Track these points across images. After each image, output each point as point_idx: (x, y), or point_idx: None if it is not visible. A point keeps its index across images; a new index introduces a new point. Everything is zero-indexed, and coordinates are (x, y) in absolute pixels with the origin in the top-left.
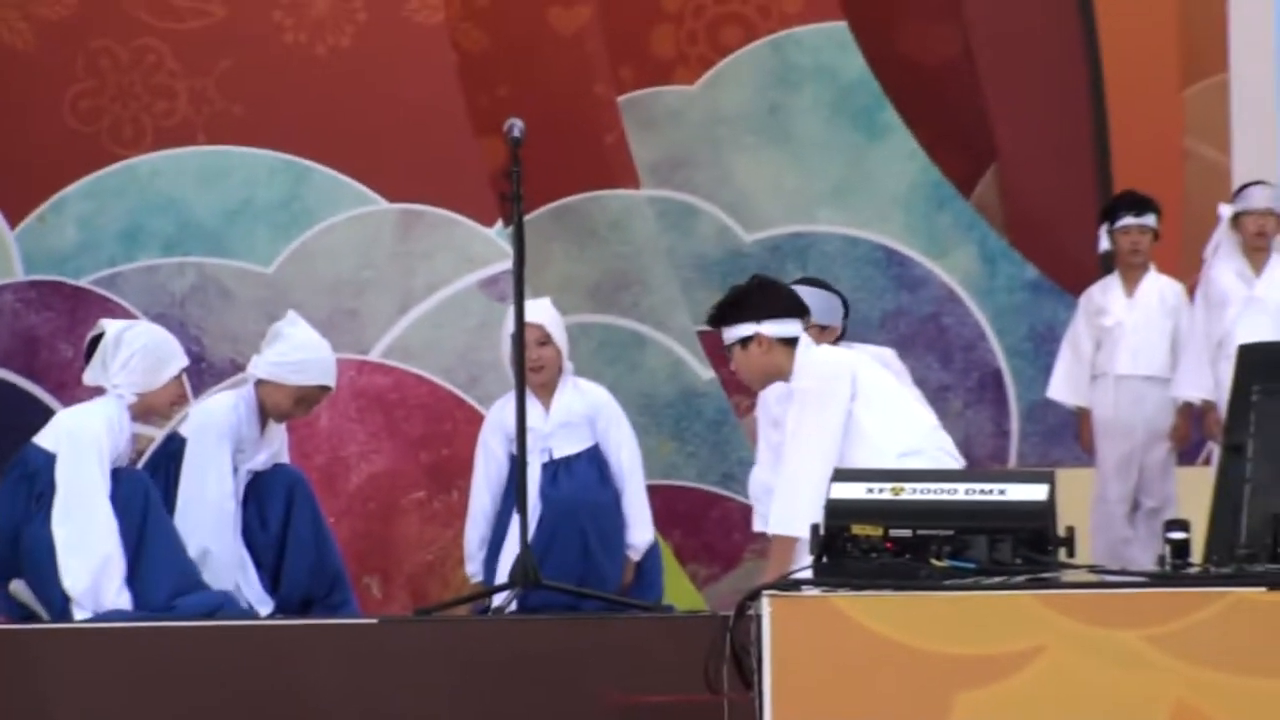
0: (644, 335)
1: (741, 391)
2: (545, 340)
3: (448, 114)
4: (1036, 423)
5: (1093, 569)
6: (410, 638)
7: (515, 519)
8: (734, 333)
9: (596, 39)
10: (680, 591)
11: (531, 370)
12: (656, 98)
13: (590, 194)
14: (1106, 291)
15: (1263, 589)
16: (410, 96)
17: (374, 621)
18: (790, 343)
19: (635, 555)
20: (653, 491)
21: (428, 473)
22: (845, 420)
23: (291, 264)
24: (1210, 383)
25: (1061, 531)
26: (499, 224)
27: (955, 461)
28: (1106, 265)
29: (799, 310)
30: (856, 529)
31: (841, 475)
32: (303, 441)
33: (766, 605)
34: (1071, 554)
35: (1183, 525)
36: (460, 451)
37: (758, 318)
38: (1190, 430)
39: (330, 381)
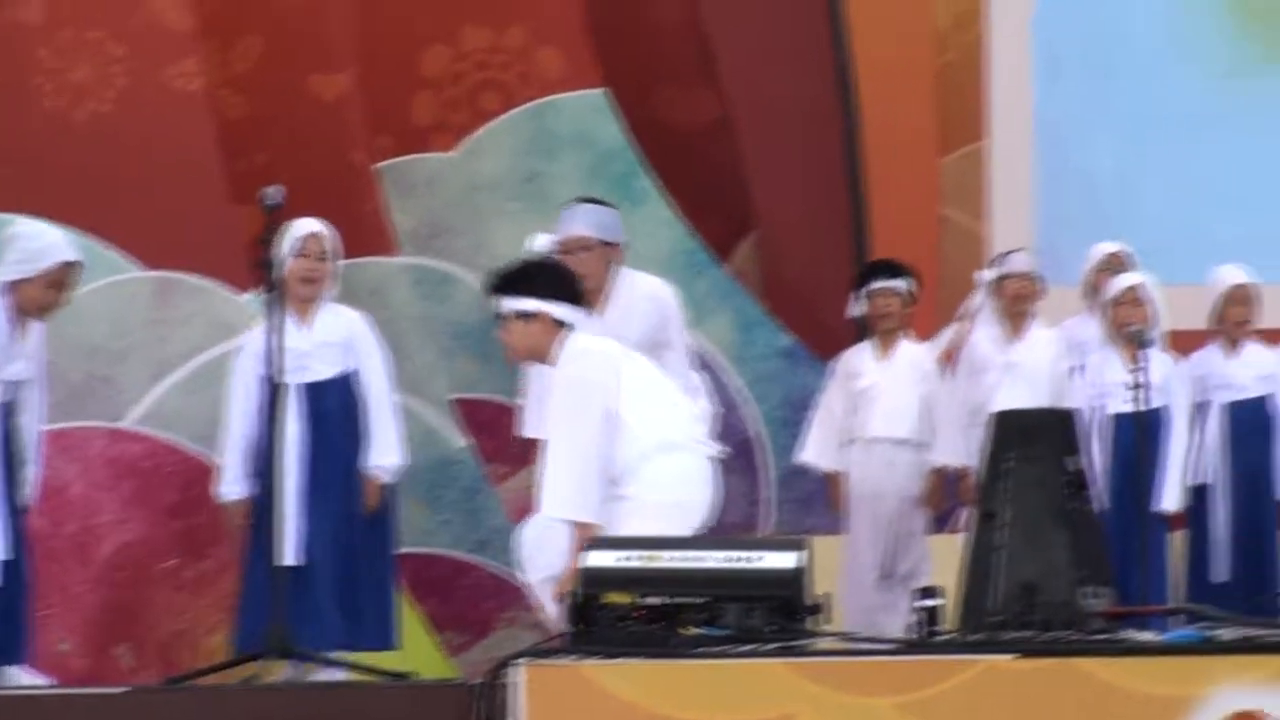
0: (399, 402)
1: (497, 459)
2: (323, 255)
3: (206, 181)
4: (790, 490)
5: (844, 636)
6: (161, 707)
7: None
8: (518, 304)
9: (356, 106)
10: (431, 660)
11: (306, 281)
12: (416, 164)
13: (348, 261)
14: (860, 355)
15: (1013, 656)
16: (169, 162)
17: (124, 691)
18: (565, 328)
19: (385, 476)
20: (406, 559)
21: (180, 540)
22: (607, 412)
23: (47, 329)
24: (965, 448)
25: (814, 599)
26: (255, 291)
27: (708, 455)
28: (860, 332)
29: (581, 299)
30: (610, 597)
31: (596, 543)
32: (55, 510)
33: (519, 673)
34: (823, 621)
35: (934, 592)
36: (213, 518)
37: (546, 296)
38: (944, 496)
39: (74, 255)
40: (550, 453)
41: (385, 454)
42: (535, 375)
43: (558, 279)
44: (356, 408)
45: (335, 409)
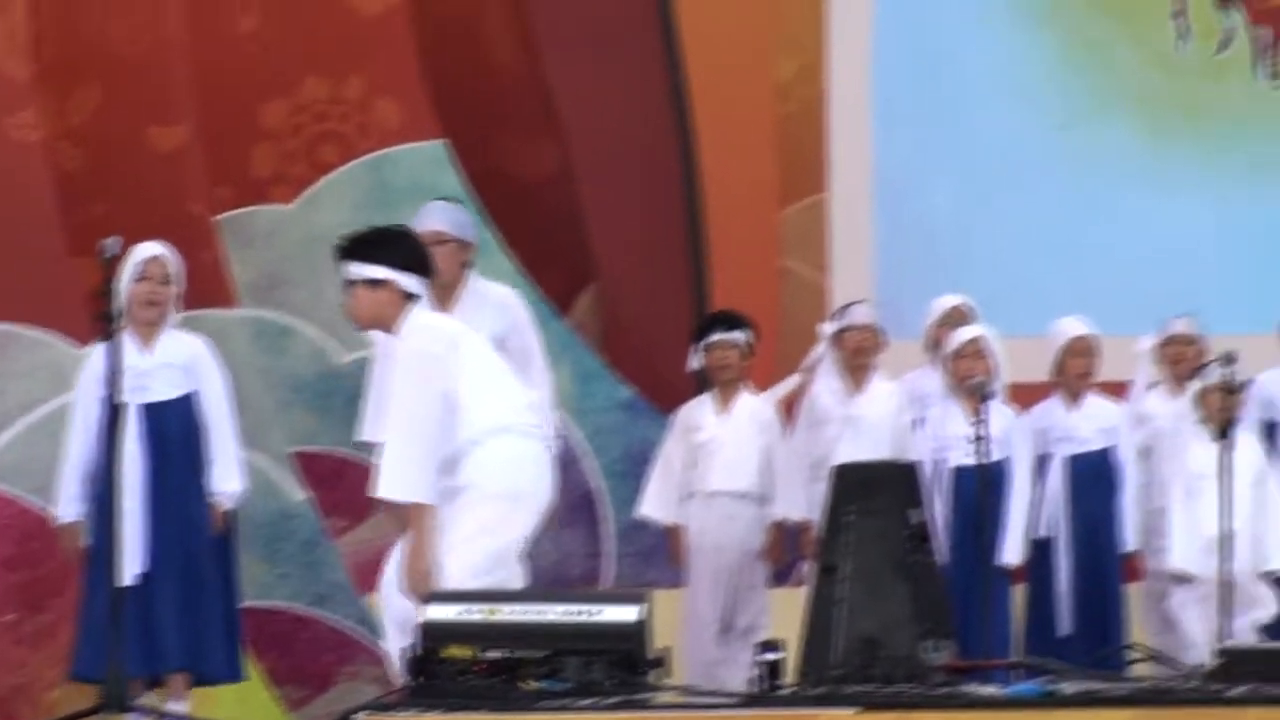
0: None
1: (337, 513)
2: (165, 279)
3: (44, 232)
4: (631, 543)
5: (685, 690)
6: None
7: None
8: (366, 271)
9: (195, 157)
10: (271, 714)
11: (147, 304)
12: (255, 216)
13: (187, 313)
14: (700, 409)
15: (855, 711)
16: (6, 214)
17: None
18: (411, 299)
19: (226, 502)
20: (245, 613)
21: (18, 594)
22: (446, 391)
23: None
24: (805, 502)
25: (654, 652)
26: (94, 343)
27: (543, 441)
28: (700, 385)
29: (430, 273)
30: (450, 650)
31: (438, 597)
32: None
33: None
34: (665, 675)
35: (775, 646)
36: (52, 571)
37: (396, 265)
38: (784, 550)
39: None
40: (389, 430)
41: (226, 479)
42: (375, 379)
43: (409, 249)
44: (198, 431)
45: (176, 431)
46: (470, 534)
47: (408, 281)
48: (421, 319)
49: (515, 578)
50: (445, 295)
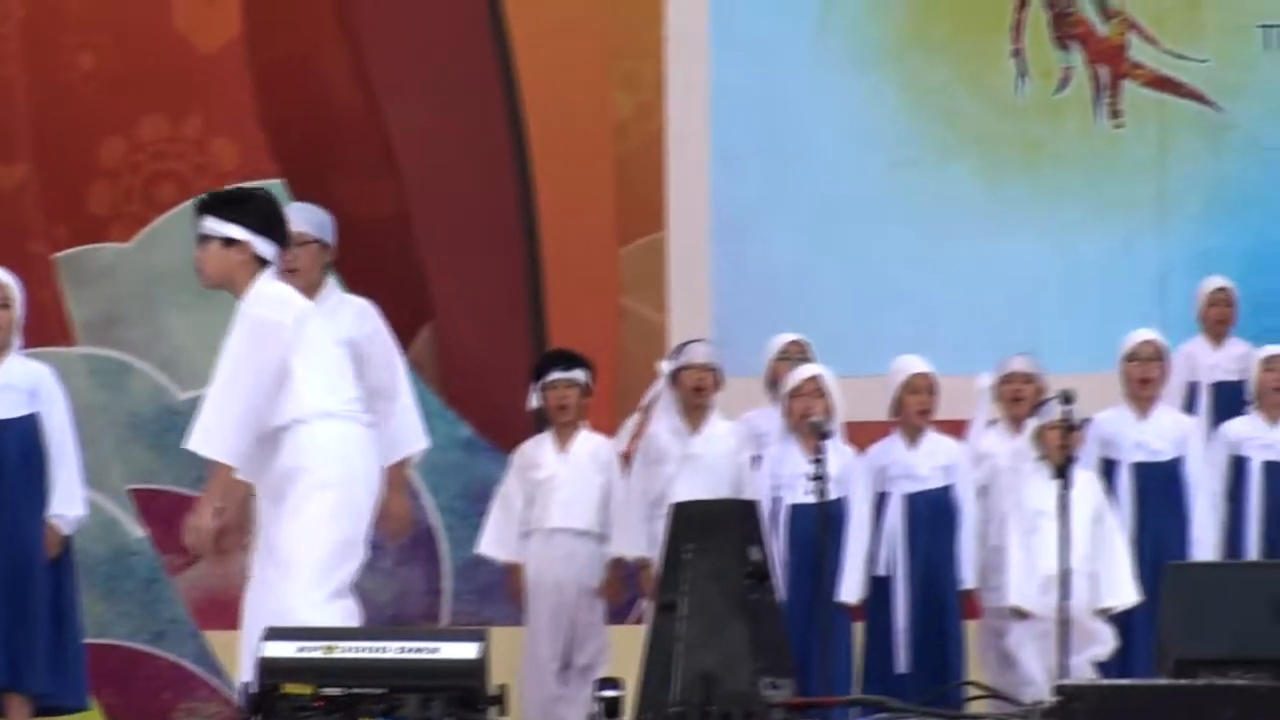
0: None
1: (175, 550)
2: (6, 303)
3: None
4: (469, 580)
5: None
6: None
7: None
8: (222, 228)
9: (33, 195)
10: None
11: None
12: (92, 254)
13: (23, 352)
14: (539, 447)
15: None
16: None
17: None
18: (263, 265)
19: (65, 527)
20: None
21: None
22: (282, 362)
23: None
24: (644, 540)
25: (493, 690)
26: None
27: (368, 427)
28: (539, 423)
29: (286, 242)
30: (289, 687)
31: (275, 633)
32: None
33: None
34: (504, 712)
35: (614, 683)
36: None
37: (253, 227)
38: (623, 587)
39: None
40: (213, 386)
41: (67, 503)
42: None
43: (269, 214)
44: (37, 453)
45: (14, 451)
46: (314, 525)
47: (262, 245)
48: (271, 288)
49: (360, 557)
50: (306, 295)
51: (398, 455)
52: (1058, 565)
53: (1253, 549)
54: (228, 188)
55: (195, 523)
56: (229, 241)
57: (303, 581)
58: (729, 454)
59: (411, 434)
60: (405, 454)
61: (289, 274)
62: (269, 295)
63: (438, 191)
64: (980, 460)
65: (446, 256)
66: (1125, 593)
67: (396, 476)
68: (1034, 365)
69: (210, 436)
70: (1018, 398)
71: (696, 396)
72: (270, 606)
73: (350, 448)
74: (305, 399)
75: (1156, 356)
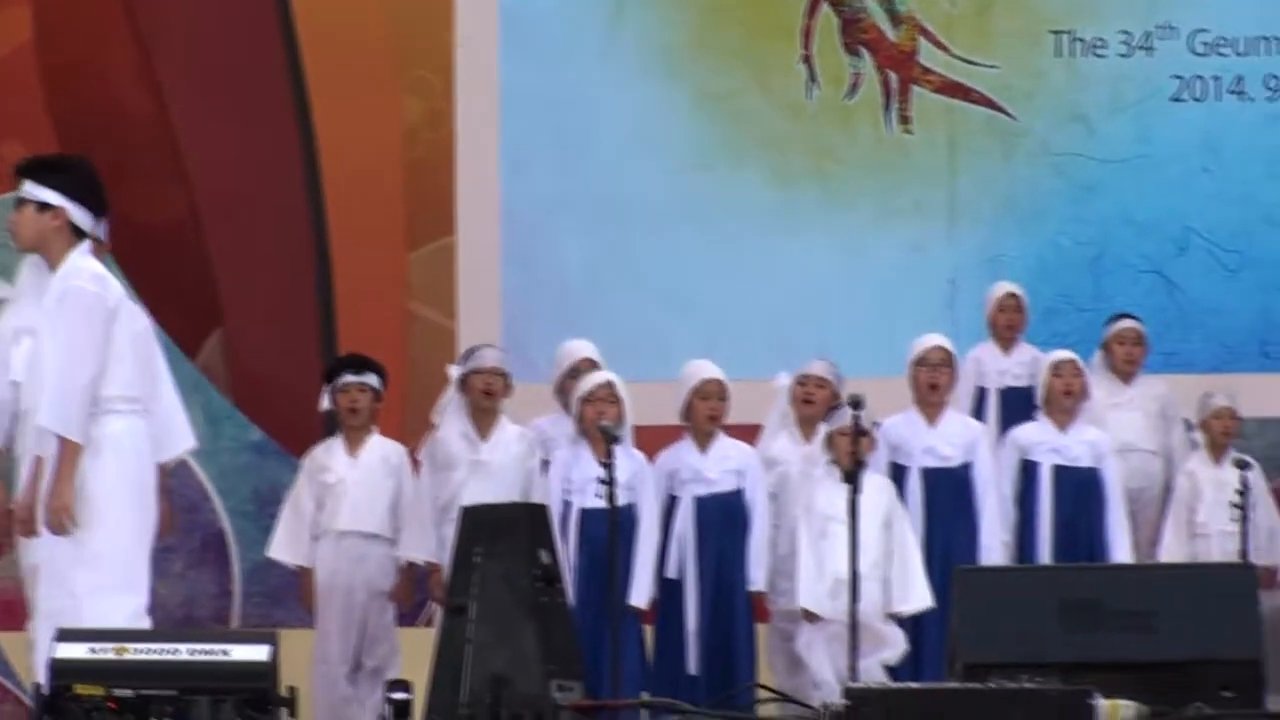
0: None
1: None
2: None
3: None
4: (259, 583)
5: None
6: None
7: None
8: (39, 192)
9: None
10: None
11: None
12: None
13: None
14: (330, 451)
15: None
16: None
17: None
18: (78, 235)
19: None
20: None
21: None
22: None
23: None
24: (434, 544)
25: (283, 691)
26: None
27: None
28: (330, 427)
29: (104, 214)
30: (80, 688)
31: (66, 635)
32: None
33: None
34: (293, 715)
35: (405, 686)
36: None
37: (72, 195)
38: (412, 591)
39: None
40: (57, 362)
41: None
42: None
43: (88, 184)
44: None
45: None
46: (117, 522)
47: (78, 214)
48: (94, 265)
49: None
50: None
51: (162, 456)
52: (848, 569)
53: (1043, 553)
54: (49, 155)
55: (56, 504)
56: (44, 206)
57: (103, 578)
58: (518, 459)
59: (178, 435)
60: (170, 455)
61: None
62: (96, 275)
63: (227, 197)
64: (771, 465)
65: (236, 261)
66: (916, 597)
67: (160, 478)
68: (831, 370)
69: (64, 414)
70: (810, 402)
71: (486, 401)
72: (65, 605)
73: (141, 443)
74: (113, 384)
75: (945, 362)
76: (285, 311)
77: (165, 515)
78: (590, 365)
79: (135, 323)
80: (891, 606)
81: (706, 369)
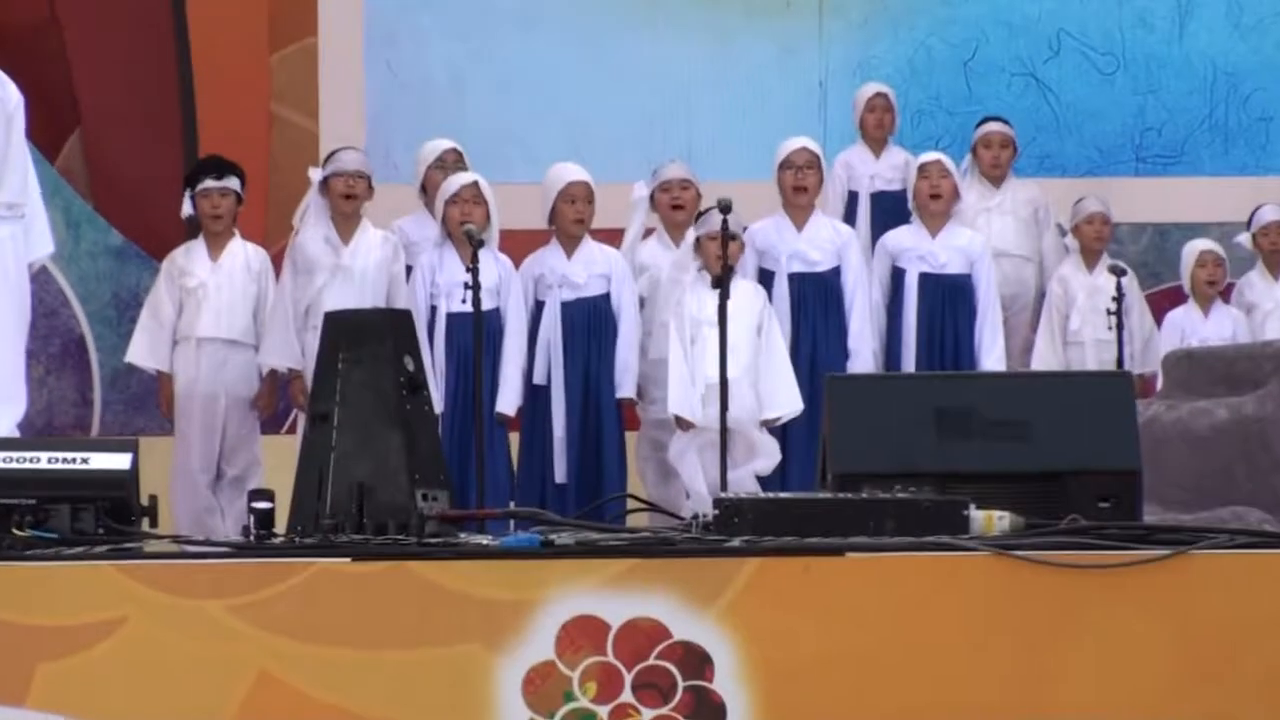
0: None
1: None
2: None
3: None
4: (120, 390)
5: (175, 539)
6: None
7: None
8: None
9: None
10: None
11: None
12: None
13: None
14: (190, 254)
15: (346, 560)
16: None
17: None
18: None
19: None
20: None
21: None
22: None
23: None
24: (297, 351)
25: (145, 501)
26: None
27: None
28: (191, 231)
29: None
30: None
31: None
32: None
33: None
34: (154, 524)
35: (267, 495)
36: None
37: None
38: (275, 398)
39: None
40: None
41: None
42: None
43: None
44: None
45: None
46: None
47: None
48: None
49: None
50: None
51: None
52: (719, 375)
53: (908, 362)
54: None
55: None
56: None
57: None
58: (382, 263)
59: (37, 238)
60: (30, 260)
61: None
62: None
63: None
64: (640, 271)
65: (94, 61)
66: (787, 402)
67: None
68: (689, 172)
69: None
70: (677, 205)
71: (347, 204)
72: None
73: (19, 249)
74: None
75: (811, 164)
76: (146, 113)
77: None
78: (455, 158)
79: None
80: (763, 413)
81: (572, 171)
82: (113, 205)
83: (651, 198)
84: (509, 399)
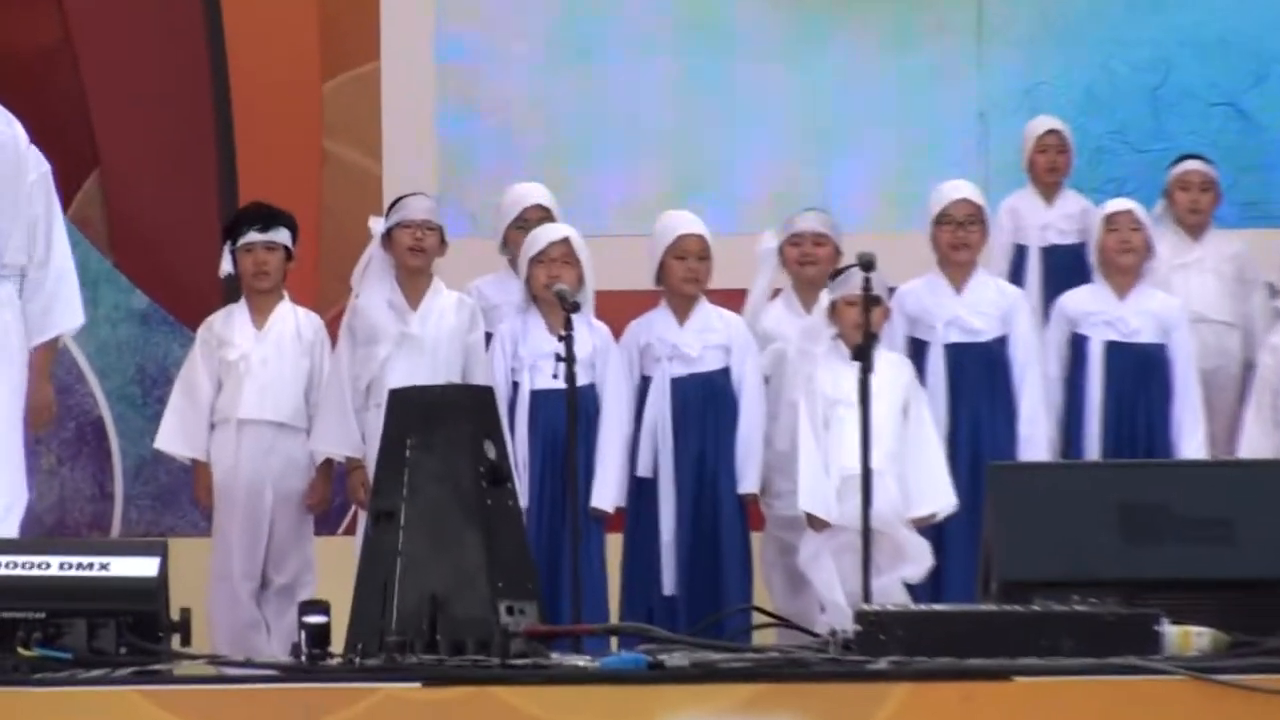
0: None
1: None
2: None
3: None
4: (146, 483)
5: (212, 660)
6: None
7: None
8: None
9: None
10: None
11: None
12: None
13: None
14: (230, 321)
15: (417, 684)
16: None
17: None
18: None
19: None
20: None
21: None
22: None
23: None
24: (357, 436)
25: (175, 614)
26: None
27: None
28: (231, 292)
29: None
30: None
31: None
32: None
33: None
34: (187, 641)
35: (322, 607)
36: None
37: None
38: (331, 492)
39: None
40: None
41: None
42: None
43: None
44: None
45: None
46: None
47: None
48: None
49: None
50: None
51: (46, 334)
52: (860, 465)
53: (1092, 448)
54: None
55: None
56: None
57: None
58: (456, 331)
59: (65, 308)
60: (55, 333)
61: None
62: None
63: (107, 21)
64: (765, 341)
65: (115, 90)
66: (940, 497)
67: (41, 359)
68: (827, 222)
69: None
70: (809, 261)
71: (415, 260)
72: None
73: (9, 319)
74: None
75: (974, 219)
76: (176, 151)
77: (42, 404)
78: (543, 214)
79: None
80: (912, 510)
81: (684, 222)
82: (137, 261)
83: (780, 251)
84: (608, 493)
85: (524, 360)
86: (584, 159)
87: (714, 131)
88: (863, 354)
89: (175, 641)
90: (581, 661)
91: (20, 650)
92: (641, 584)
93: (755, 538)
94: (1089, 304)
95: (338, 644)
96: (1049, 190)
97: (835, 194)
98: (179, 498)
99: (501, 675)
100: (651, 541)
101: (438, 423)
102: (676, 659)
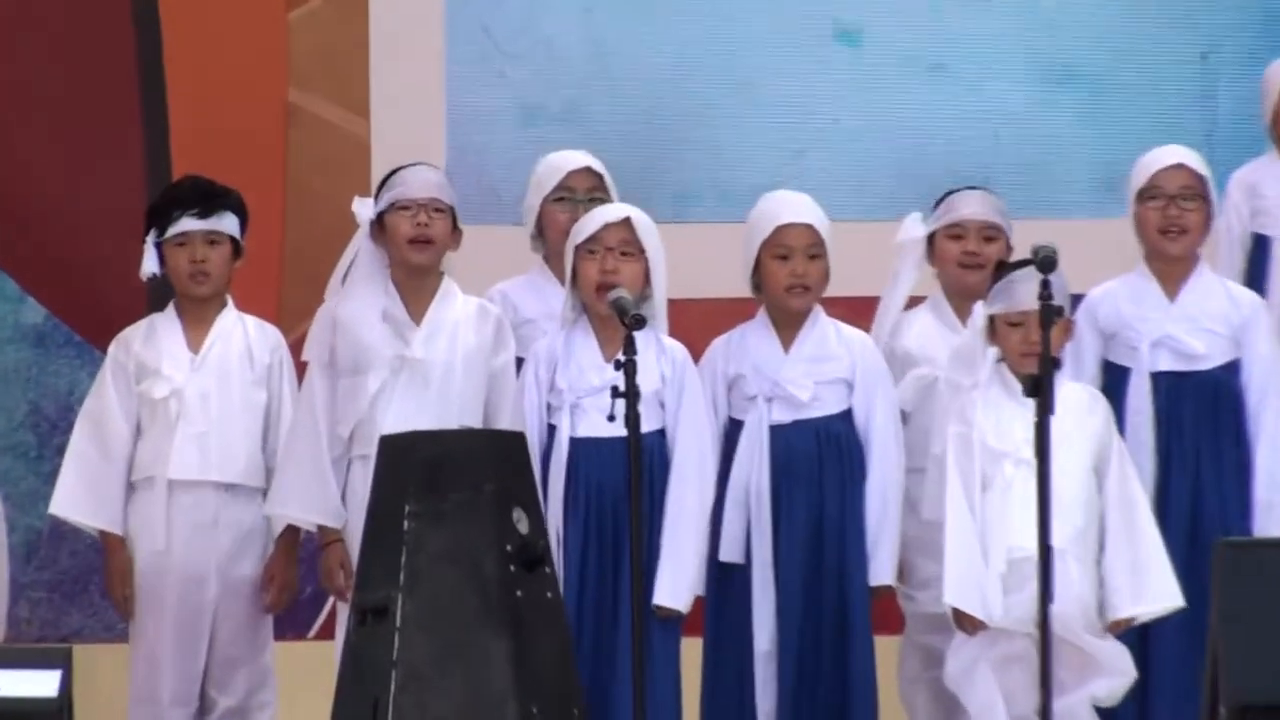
0: None
1: None
2: None
3: None
4: (42, 567)
5: None
6: None
7: None
8: None
9: None
10: None
11: None
12: None
13: None
14: (154, 339)
15: None
16: None
17: None
18: None
19: None
20: None
21: None
22: None
23: None
24: (335, 499)
25: None
26: None
27: None
28: (158, 299)
29: None
30: None
31: None
32: None
33: None
34: None
35: None
36: None
37: None
38: (295, 577)
39: None
40: None
41: None
42: None
43: None
44: None
45: None
46: None
47: None
48: None
49: None
50: None
51: None
52: (1036, 544)
53: None
54: None
55: None
56: None
57: None
58: (475, 353)
59: None
60: None
61: None
62: None
63: None
64: (903, 366)
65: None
66: (1155, 592)
67: None
68: (995, 208)
69: None
70: (973, 263)
71: (417, 255)
72: None
73: None
74: None
75: (1193, 191)
76: (84, 108)
77: None
78: (593, 185)
79: None
80: (1113, 608)
81: (788, 206)
82: (29, 260)
83: (930, 244)
84: (682, 584)
85: (564, 395)
86: (649, 119)
87: (827, 80)
88: (1039, 388)
89: None
90: None
91: None
92: (731, 703)
93: (891, 643)
94: None
95: None
96: None
97: (1000, 171)
98: (87, 587)
99: None
100: (743, 649)
101: (449, 482)
102: None
